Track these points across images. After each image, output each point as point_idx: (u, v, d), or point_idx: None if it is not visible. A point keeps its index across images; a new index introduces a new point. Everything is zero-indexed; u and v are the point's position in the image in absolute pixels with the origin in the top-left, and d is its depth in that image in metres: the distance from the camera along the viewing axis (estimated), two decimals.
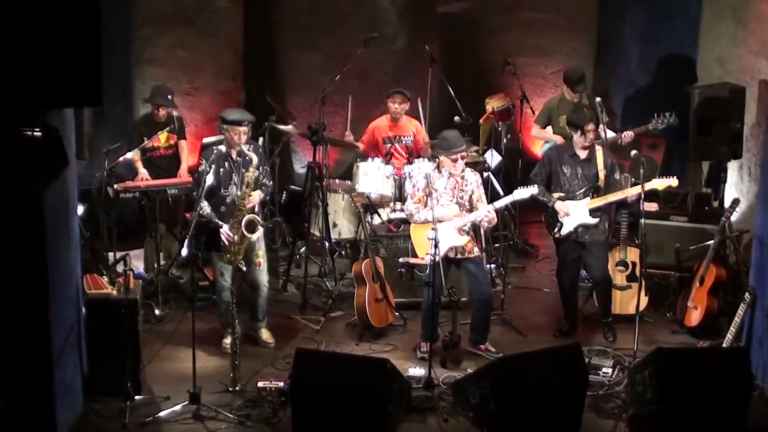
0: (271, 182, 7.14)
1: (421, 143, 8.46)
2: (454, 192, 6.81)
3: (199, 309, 6.77)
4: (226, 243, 6.71)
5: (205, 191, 6.53)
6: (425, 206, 6.71)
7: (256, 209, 6.85)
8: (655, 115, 7.96)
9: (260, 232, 6.83)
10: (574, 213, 6.96)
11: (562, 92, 8.52)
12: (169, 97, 8.13)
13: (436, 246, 6.40)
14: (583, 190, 6.98)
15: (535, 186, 6.87)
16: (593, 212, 6.96)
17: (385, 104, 8.48)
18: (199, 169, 6.73)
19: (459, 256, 6.78)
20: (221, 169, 6.74)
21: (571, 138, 7.15)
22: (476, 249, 6.90)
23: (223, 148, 6.72)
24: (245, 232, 6.68)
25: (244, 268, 6.86)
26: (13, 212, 4.86)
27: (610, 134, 8.10)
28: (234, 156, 6.77)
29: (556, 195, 7.02)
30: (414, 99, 8.60)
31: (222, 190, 6.76)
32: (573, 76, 8.39)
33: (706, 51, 9.21)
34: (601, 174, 6.99)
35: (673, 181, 7.02)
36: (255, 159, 6.68)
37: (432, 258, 6.47)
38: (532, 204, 7.13)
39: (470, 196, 6.84)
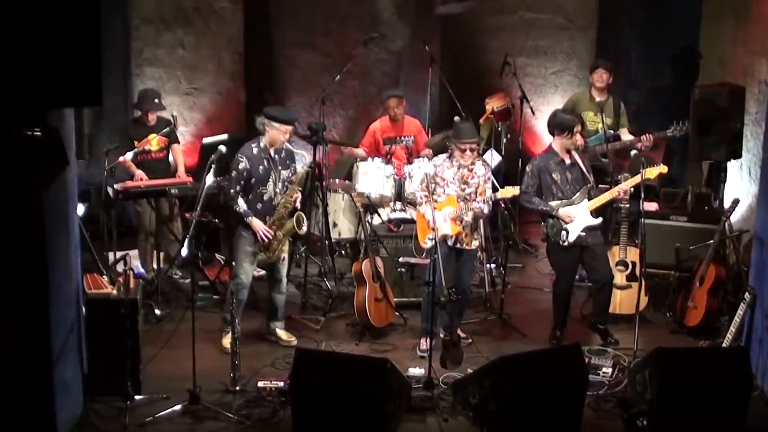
0: None
1: (422, 144, 8.45)
2: (460, 183, 6.82)
3: (199, 309, 6.77)
4: (265, 240, 6.73)
5: (241, 188, 6.66)
6: (431, 194, 6.70)
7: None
8: (674, 122, 7.93)
9: (305, 227, 6.95)
10: (578, 217, 6.88)
11: (588, 88, 8.49)
12: (156, 100, 7.98)
13: (435, 248, 6.44)
14: (579, 193, 6.92)
15: (517, 187, 6.85)
16: (593, 212, 6.92)
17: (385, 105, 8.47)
18: (239, 166, 6.69)
19: (458, 245, 6.79)
20: (260, 167, 6.74)
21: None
22: (474, 243, 6.89)
23: (262, 144, 6.75)
24: (297, 228, 6.78)
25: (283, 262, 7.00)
26: (13, 212, 4.86)
27: (629, 137, 8.10)
28: (272, 154, 6.79)
29: (553, 203, 6.92)
30: (414, 98, 8.58)
31: (260, 188, 6.77)
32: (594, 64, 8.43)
33: (706, 51, 9.21)
34: (588, 175, 6.96)
35: (663, 168, 6.95)
36: (307, 157, 6.77)
37: (432, 258, 6.51)
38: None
39: (476, 189, 6.84)
